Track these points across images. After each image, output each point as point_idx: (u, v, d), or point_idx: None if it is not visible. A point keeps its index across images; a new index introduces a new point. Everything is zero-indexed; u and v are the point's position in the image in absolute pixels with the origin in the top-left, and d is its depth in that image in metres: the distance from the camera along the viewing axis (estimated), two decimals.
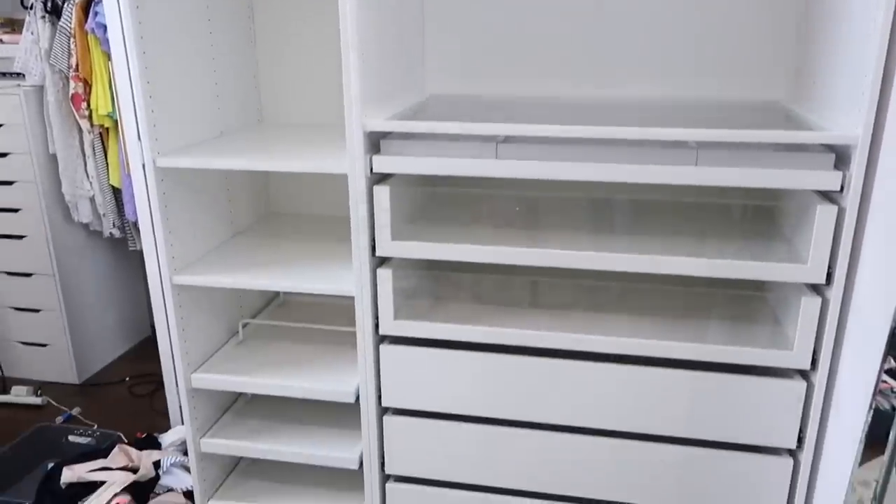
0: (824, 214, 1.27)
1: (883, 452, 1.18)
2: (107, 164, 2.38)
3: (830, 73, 1.38)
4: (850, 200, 1.25)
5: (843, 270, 1.29)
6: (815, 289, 1.37)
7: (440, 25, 1.76)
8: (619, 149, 1.34)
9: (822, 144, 1.34)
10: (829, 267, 1.30)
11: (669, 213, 1.64)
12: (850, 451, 1.26)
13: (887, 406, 1.18)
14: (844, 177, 1.26)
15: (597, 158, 1.35)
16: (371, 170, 1.44)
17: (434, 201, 1.76)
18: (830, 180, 1.26)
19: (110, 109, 2.28)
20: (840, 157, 1.29)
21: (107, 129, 2.34)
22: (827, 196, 1.33)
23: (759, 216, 1.63)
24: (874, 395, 1.17)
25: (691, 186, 1.72)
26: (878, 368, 1.17)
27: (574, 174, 1.36)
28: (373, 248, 1.49)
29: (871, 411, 1.18)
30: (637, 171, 1.33)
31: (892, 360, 1.16)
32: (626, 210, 1.69)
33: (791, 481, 1.46)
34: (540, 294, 1.68)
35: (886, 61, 1.17)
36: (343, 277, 1.59)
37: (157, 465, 1.85)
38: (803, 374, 1.42)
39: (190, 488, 1.82)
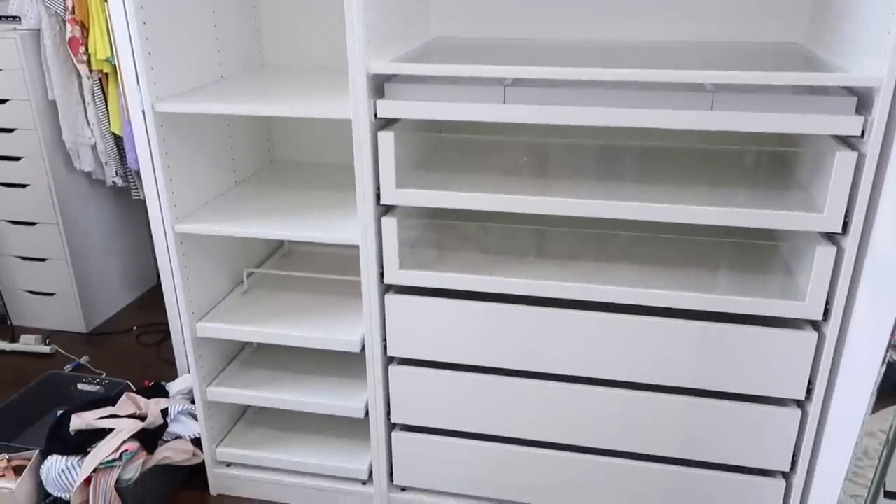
0: (843, 161, 1.23)
1: (890, 404, 1.16)
2: (107, 110, 2.34)
3: (853, 13, 1.31)
4: (871, 146, 1.21)
5: (861, 219, 1.26)
6: (831, 238, 1.33)
7: None
8: (632, 92, 1.30)
9: (844, 87, 1.28)
10: (846, 216, 1.27)
11: (682, 161, 1.60)
12: (859, 404, 1.25)
13: None
14: (866, 121, 1.21)
15: (608, 103, 1.30)
16: (375, 115, 1.40)
17: (440, 148, 1.72)
18: (851, 125, 1.22)
19: (108, 54, 2.22)
20: (862, 101, 1.24)
21: (106, 74, 2.29)
22: (846, 142, 1.28)
23: (775, 163, 1.59)
24: (888, 348, 1.15)
25: (705, 132, 1.67)
26: (892, 321, 1.15)
27: (584, 119, 1.31)
28: (377, 196, 1.46)
29: (885, 365, 1.16)
30: (650, 115, 1.28)
31: None
32: (637, 157, 1.64)
33: (798, 432, 1.45)
34: (547, 244, 1.65)
35: None
36: (348, 226, 1.56)
37: (164, 412, 1.85)
38: (815, 326, 1.40)
39: (197, 435, 1.83)
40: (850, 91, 1.26)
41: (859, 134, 1.22)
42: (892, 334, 1.15)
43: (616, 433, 1.54)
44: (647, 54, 1.48)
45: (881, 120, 1.19)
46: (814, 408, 1.41)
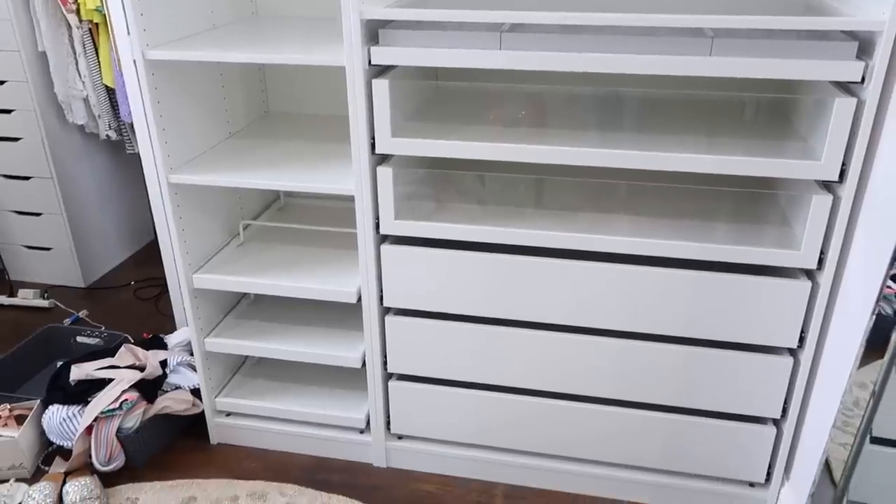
0: (842, 107, 1.22)
1: (881, 356, 1.18)
2: (98, 62, 2.30)
3: None
4: (871, 93, 1.19)
5: (858, 167, 1.25)
6: (827, 187, 1.33)
7: None
8: (629, 38, 1.27)
9: (845, 32, 1.26)
10: (843, 164, 1.26)
11: (680, 109, 1.58)
12: (849, 353, 1.26)
13: (889, 311, 1.17)
14: (866, 67, 1.20)
15: (605, 49, 1.28)
16: (370, 62, 1.38)
17: (436, 96, 1.70)
18: (852, 71, 1.20)
19: (98, 3, 2.18)
20: (863, 46, 1.22)
21: (96, 24, 2.24)
22: (846, 88, 1.27)
23: (774, 112, 1.57)
24: (878, 299, 1.16)
25: (703, 79, 1.65)
26: (884, 272, 1.15)
27: (581, 65, 1.29)
28: (372, 146, 1.45)
29: (874, 316, 1.17)
30: (648, 61, 1.26)
31: None
32: (636, 105, 1.63)
33: (790, 380, 1.47)
34: (545, 194, 1.65)
35: None
36: (343, 177, 1.55)
37: (163, 364, 1.87)
38: (809, 275, 1.40)
39: (196, 386, 1.85)
40: (852, 36, 1.24)
41: (859, 80, 1.21)
42: (883, 286, 1.15)
43: (611, 382, 1.56)
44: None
45: (882, 66, 1.17)
46: (806, 356, 1.43)
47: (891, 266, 1.14)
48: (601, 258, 1.47)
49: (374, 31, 1.39)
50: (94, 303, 2.55)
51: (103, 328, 2.26)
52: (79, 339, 2.19)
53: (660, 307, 1.46)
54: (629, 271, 1.44)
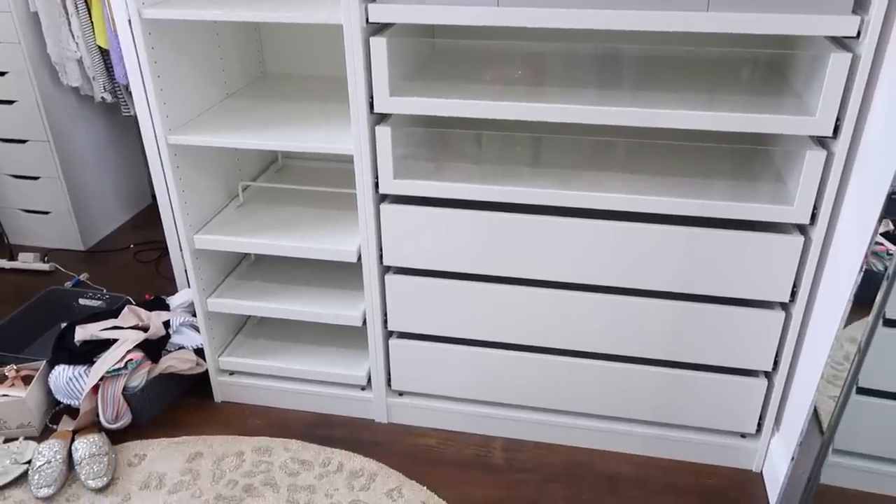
0: (837, 62, 1.22)
1: (870, 310, 1.20)
2: (91, 22, 2.28)
3: None
4: (866, 47, 1.20)
5: (852, 122, 1.26)
6: (822, 143, 1.34)
7: None
8: None
9: None
10: (837, 119, 1.27)
11: (678, 66, 1.59)
12: (838, 308, 1.29)
13: (881, 268, 1.19)
14: (862, 22, 1.20)
15: (602, 5, 1.28)
16: (367, 19, 1.38)
17: (434, 55, 1.69)
18: (847, 25, 1.21)
19: None
20: (858, 0, 1.22)
21: None
22: (841, 43, 1.27)
23: (770, 69, 1.58)
24: (867, 255, 1.18)
25: (701, 36, 1.64)
26: (873, 228, 1.17)
27: (578, 22, 1.29)
28: (371, 105, 1.45)
29: (862, 272, 1.19)
30: (645, 17, 1.26)
31: (891, 224, 1.15)
32: (633, 62, 1.63)
33: (781, 334, 1.50)
34: (543, 153, 1.66)
35: None
36: (341, 137, 1.56)
37: (166, 324, 1.90)
38: (802, 230, 1.42)
39: (200, 346, 1.88)
40: None
41: (855, 35, 1.21)
42: (872, 241, 1.17)
43: (607, 337, 1.59)
44: None
45: (878, 20, 1.18)
46: (797, 310, 1.46)
47: (880, 222, 1.16)
48: (598, 216, 1.49)
49: None
50: (94, 266, 2.57)
51: (105, 290, 2.29)
52: (81, 301, 2.22)
53: (655, 263, 1.49)
54: (626, 228, 1.47)
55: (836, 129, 1.28)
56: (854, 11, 1.22)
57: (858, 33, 1.21)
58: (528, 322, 1.62)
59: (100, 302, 2.19)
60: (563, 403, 1.71)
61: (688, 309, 1.52)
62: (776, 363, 1.54)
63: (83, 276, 2.47)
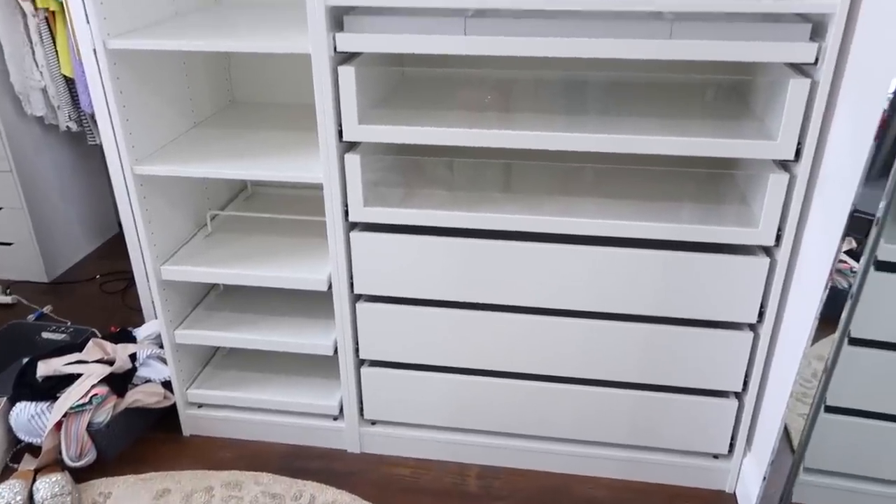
0: (797, 88, 1.26)
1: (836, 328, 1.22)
2: (56, 51, 2.25)
3: None
4: (824, 73, 1.23)
5: (813, 146, 1.29)
6: (784, 166, 1.37)
7: None
8: (592, 22, 1.30)
9: (799, 15, 1.30)
10: (799, 143, 1.30)
11: (644, 92, 1.61)
12: (805, 327, 1.30)
13: (846, 285, 1.21)
14: (819, 48, 1.24)
15: (568, 33, 1.30)
16: (335, 48, 1.38)
17: (403, 83, 1.70)
18: (806, 52, 1.24)
19: None
20: (816, 28, 1.26)
21: (52, 12, 2.20)
22: (800, 69, 1.31)
23: (733, 94, 1.61)
24: (831, 273, 1.20)
25: (666, 62, 1.68)
26: (836, 247, 1.19)
27: (544, 50, 1.31)
28: (340, 133, 1.45)
29: (827, 290, 1.22)
30: (609, 45, 1.29)
31: (853, 241, 1.18)
32: (600, 89, 1.65)
33: (751, 354, 1.52)
34: (514, 178, 1.67)
35: None
36: (311, 165, 1.55)
37: (133, 357, 1.86)
38: (767, 252, 1.45)
39: (167, 379, 1.84)
40: (805, 19, 1.28)
41: (813, 61, 1.24)
42: (835, 261, 1.20)
43: (580, 361, 1.60)
44: None
45: (834, 46, 1.21)
46: (765, 331, 1.48)
47: (843, 240, 1.18)
48: (569, 240, 1.50)
49: (339, 18, 1.39)
50: (58, 298, 2.51)
51: (69, 323, 2.23)
52: (44, 334, 2.16)
53: (625, 287, 1.50)
54: (596, 252, 1.47)
55: (798, 153, 1.31)
56: (812, 38, 1.25)
57: (816, 59, 1.24)
58: (502, 347, 1.61)
59: (64, 335, 2.14)
60: (537, 429, 1.70)
61: (658, 332, 1.53)
62: (746, 384, 1.55)
63: (46, 309, 2.41)
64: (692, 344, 1.53)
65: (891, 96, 1.04)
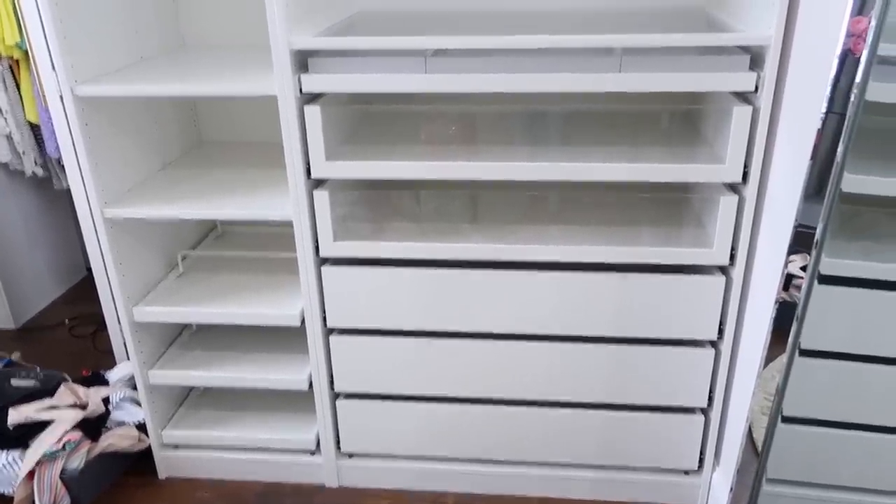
0: (740, 115, 1.33)
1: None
2: (21, 98, 2.26)
3: None
4: (764, 100, 1.31)
5: (758, 169, 1.36)
6: (734, 188, 1.44)
7: None
8: (545, 58, 1.36)
9: (739, 47, 1.38)
10: (745, 166, 1.37)
11: (599, 122, 1.68)
12: (760, 341, 1.36)
13: (801, 298, 1.27)
14: (758, 77, 1.31)
15: (524, 69, 1.36)
16: (301, 90, 1.42)
17: (368, 120, 1.75)
18: (746, 81, 1.32)
19: (18, 39, 2.15)
20: (755, 58, 1.34)
21: (17, 60, 2.21)
22: (743, 97, 1.38)
23: (684, 121, 1.69)
24: (779, 288, 1.27)
25: (620, 94, 1.75)
26: (783, 262, 1.25)
27: (502, 86, 1.37)
28: (308, 171, 1.49)
29: (777, 304, 1.28)
30: (562, 79, 1.35)
31: (808, 257, 1.24)
32: (559, 120, 1.72)
33: (713, 370, 1.57)
34: (477, 208, 1.72)
35: None
36: (280, 203, 1.58)
37: (106, 401, 1.85)
38: (723, 271, 1.51)
39: (142, 421, 1.83)
40: (745, 50, 1.36)
41: (753, 89, 1.32)
42: (783, 276, 1.26)
43: (549, 384, 1.63)
44: (559, 20, 1.55)
45: (772, 75, 1.29)
46: (725, 347, 1.53)
47: (788, 257, 1.25)
48: (534, 267, 1.55)
49: (303, 60, 1.44)
50: (26, 344, 2.48)
51: (38, 369, 2.20)
52: (13, 381, 2.12)
53: (590, 310, 1.54)
54: (559, 278, 1.52)
55: (745, 175, 1.38)
56: (752, 68, 1.33)
57: (757, 88, 1.32)
58: (473, 374, 1.64)
59: (34, 381, 2.11)
60: (511, 453, 1.73)
61: (623, 352, 1.58)
62: (710, 399, 1.60)
63: (15, 356, 2.37)
64: (656, 362, 1.58)
65: (823, 116, 1.12)
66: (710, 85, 1.33)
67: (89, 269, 2.05)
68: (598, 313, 1.55)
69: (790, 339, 1.23)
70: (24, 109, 2.28)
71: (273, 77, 1.44)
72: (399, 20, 1.64)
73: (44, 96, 1.97)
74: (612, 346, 1.58)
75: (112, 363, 2.20)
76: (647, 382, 1.60)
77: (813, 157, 1.14)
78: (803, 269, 1.27)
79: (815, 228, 1.20)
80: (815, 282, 1.19)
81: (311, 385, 1.72)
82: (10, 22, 2.14)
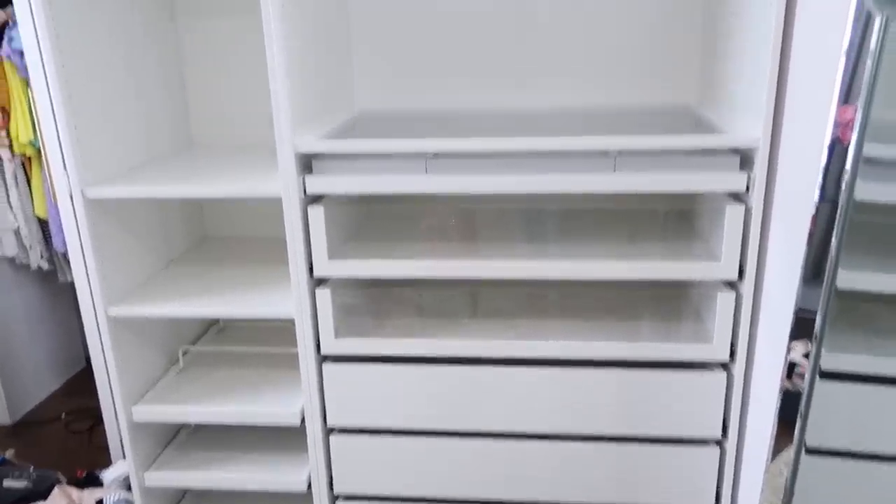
0: (733, 213, 1.36)
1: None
2: (31, 194, 2.32)
3: (733, 77, 1.47)
4: (756, 199, 1.34)
5: (753, 266, 1.38)
6: (730, 285, 1.46)
7: (367, 43, 1.79)
8: (542, 160, 1.40)
9: (728, 148, 1.43)
10: (741, 263, 1.40)
11: (598, 220, 1.72)
12: (765, 437, 1.34)
13: (805, 388, 1.27)
14: (749, 177, 1.35)
15: (521, 171, 1.41)
16: (304, 191, 1.46)
17: (370, 219, 1.79)
18: (737, 181, 1.36)
19: (31, 137, 2.22)
20: (745, 159, 1.38)
21: (29, 157, 2.28)
22: (736, 196, 1.42)
23: (680, 219, 1.72)
24: (782, 382, 1.26)
25: (617, 193, 1.79)
26: (783, 359, 1.25)
27: (501, 186, 1.41)
28: (310, 269, 1.51)
29: (781, 395, 1.27)
30: (558, 180, 1.39)
31: (809, 343, 1.24)
32: (558, 218, 1.75)
33: (719, 469, 1.54)
34: (478, 304, 1.73)
35: (780, 66, 1.26)
36: (282, 300, 1.59)
37: (100, 503, 1.80)
38: (724, 366, 1.51)
39: None
40: (734, 151, 1.41)
41: (744, 189, 1.36)
42: (784, 370, 1.25)
43: (550, 486, 1.60)
44: (558, 120, 1.61)
45: (762, 175, 1.33)
46: (730, 446, 1.51)
47: (789, 345, 1.24)
48: (533, 363, 1.54)
49: (307, 162, 1.48)
50: (21, 440, 2.44)
51: (32, 468, 2.16)
52: (5, 483, 2.08)
53: (592, 407, 1.53)
54: (561, 374, 1.52)
55: (742, 272, 1.40)
56: (742, 168, 1.37)
57: (748, 188, 1.36)
58: (478, 474, 1.61)
59: (27, 482, 2.06)
60: None
61: (626, 451, 1.55)
62: (718, 497, 1.56)
63: (8, 454, 2.33)
64: (660, 462, 1.55)
65: (816, 202, 1.13)
66: (702, 186, 1.37)
67: (88, 360, 2.04)
68: (598, 410, 1.53)
69: (795, 437, 1.21)
70: (33, 205, 2.33)
71: (278, 178, 1.49)
72: (399, 120, 1.70)
73: (54, 194, 2.03)
74: (614, 444, 1.55)
75: (108, 460, 2.16)
76: (650, 482, 1.56)
77: (808, 243, 1.15)
78: (806, 356, 1.27)
79: (814, 312, 1.20)
80: (817, 377, 1.19)
81: (309, 486, 1.68)
82: (24, 120, 2.22)
